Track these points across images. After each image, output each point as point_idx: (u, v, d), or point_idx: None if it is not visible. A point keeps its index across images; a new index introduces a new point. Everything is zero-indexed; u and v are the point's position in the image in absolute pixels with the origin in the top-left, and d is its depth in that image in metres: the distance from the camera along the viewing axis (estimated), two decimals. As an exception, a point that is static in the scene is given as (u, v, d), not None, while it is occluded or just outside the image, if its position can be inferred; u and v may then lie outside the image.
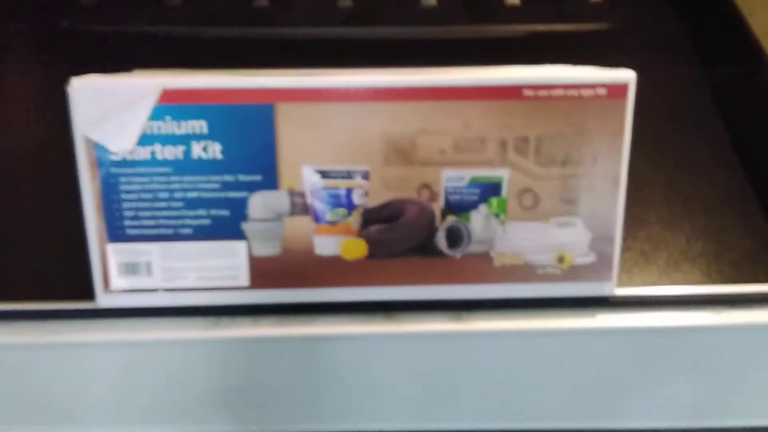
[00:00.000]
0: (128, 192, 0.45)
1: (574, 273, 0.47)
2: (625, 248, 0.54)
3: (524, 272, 0.47)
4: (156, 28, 0.72)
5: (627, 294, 0.49)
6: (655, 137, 0.63)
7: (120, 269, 0.46)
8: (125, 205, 0.45)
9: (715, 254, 0.54)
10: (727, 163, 0.62)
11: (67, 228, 0.48)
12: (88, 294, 0.47)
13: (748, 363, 0.49)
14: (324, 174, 0.46)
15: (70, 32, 0.72)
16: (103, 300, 0.47)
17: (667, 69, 0.70)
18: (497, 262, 0.47)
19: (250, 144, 0.45)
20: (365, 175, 0.46)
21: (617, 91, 0.44)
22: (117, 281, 0.47)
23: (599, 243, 0.47)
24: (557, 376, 0.49)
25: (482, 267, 0.47)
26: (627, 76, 0.44)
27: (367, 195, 0.46)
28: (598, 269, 0.47)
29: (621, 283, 0.50)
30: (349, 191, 0.46)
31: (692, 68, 0.71)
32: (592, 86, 0.44)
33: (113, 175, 0.45)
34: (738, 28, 0.69)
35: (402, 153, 0.45)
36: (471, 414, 0.50)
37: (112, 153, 0.44)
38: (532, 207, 0.47)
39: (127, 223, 0.46)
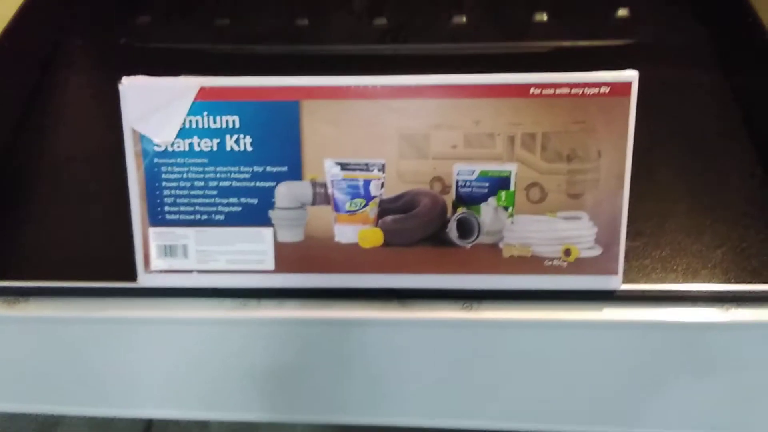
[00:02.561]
0: (168, 180, 0.50)
1: (580, 266, 0.49)
2: (645, 255, 0.56)
3: (532, 264, 0.49)
4: (205, 46, 0.79)
5: (633, 288, 0.50)
6: (678, 146, 0.64)
7: (159, 251, 0.51)
8: (165, 192, 0.50)
9: (734, 263, 0.55)
10: (750, 173, 0.62)
11: (115, 216, 0.53)
12: (132, 275, 0.52)
13: (755, 361, 0.49)
14: (344, 166, 0.49)
15: (127, 49, 0.79)
16: (144, 279, 0.52)
17: (692, 81, 0.71)
18: (506, 253, 0.50)
19: (278, 138, 0.49)
20: (382, 168, 0.49)
21: (621, 89, 0.47)
22: (156, 262, 0.51)
23: (605, 237, 0.49)
24: (563, 367, 0.51)
25: (491, 257, 0.50)
26: (630, 74, 0.47)
27: (383, 186, 0.49)
28: (603, 263, 0.49)
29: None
30: (367, 183, 0.49)
31: (717, 80, 0.72)
32: (597, 85, 0.47)
33: (156, 165, 0.50)
34: (761, 38, 0.69)
35: (416, 147, 0.49)
36: (478, 400, 0.52)
37: (155, 144, 0.49)
38: (539, 200, 0.49)
39: (166, 208, 0.50)
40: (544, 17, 0.81)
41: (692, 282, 0.53)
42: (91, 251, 0.56)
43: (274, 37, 0.80)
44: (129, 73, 0.76)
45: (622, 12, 0.81)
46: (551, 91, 0.47)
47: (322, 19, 0.83)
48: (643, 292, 0.50)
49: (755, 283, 0.52)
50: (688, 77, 0.72)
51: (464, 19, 0.82)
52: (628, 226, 0.49)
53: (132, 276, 0.52)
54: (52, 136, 0.71)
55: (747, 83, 0.70)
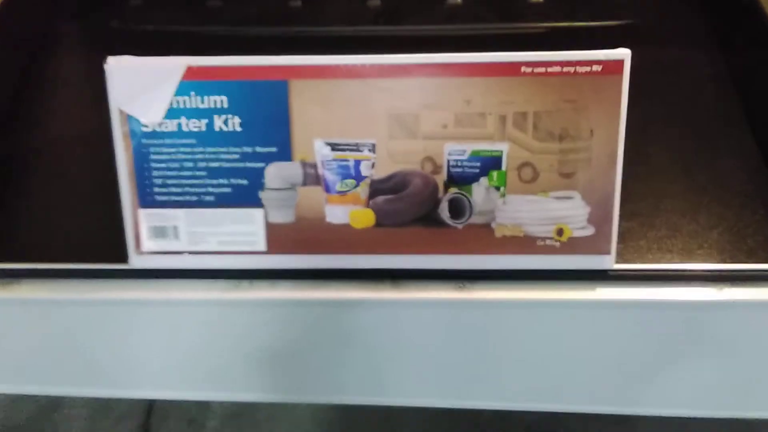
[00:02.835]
0: (157, 161, 0.50)
1: (573, 245, 0.49)
2: (641, 236, 0.55)
3: (524, 244, 0.49)
4: (198, 28, 0.78)
5: (626, 268, 0.50)
6: (676, 127, 0.63)
7: (150, 232, 0.51)
8: (155, 173, 0.50)
9: (730, 243, 0.55)
10: (747, 153, 0.62)
11: (105, 198, 0.53)
12: (122, 256, 0.52)
13: (750, 340, 0.49)
14: (334, 146, 0.49)
15: (119, 31, 0.78)
16: (136, 261, 0.52)
17: (687, 62, 0.70)
18: (498, 233, 0.49)
19: (266, 118, 0.48)
20: (372, 148, 0.49)
21: (613, 67, 0.46)
22: (147, 243, 0.51)
23: (597, 216, 0.49)
24: (556, 346, 0.51)
25: (484, 238, 0.49)
26: (622, 52, 0.46)
27: (374, 167, 0.49)
28: (596, 242, 0.49)
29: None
30: (357, 163, 0.49)
31: (713, 61, 0.71)
32: (588, 63, 0.46)
33: (144, 146, 0.49)
34: (757, 19, 0.69)
35: (406, 127, 0.48)
36: (473, 379, 0.52)
37: (143, 125, 0.49)
38: (531, 180, 0.49)
39: (156, 189, 0.50)
40: None
41: (688, 262, 0.53)
42: (82, 233, 0.56)
43: (267, 19, 0.79)
44: (121, 54, 0.76)
45: None
46: (543, 69, 0.46)
47: (316, 0, 0.82)
48: (637, 271, 0.50)
49: (751, 262, 0.52)
50: (683, 57, 0.72)
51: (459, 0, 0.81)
52: (623, 206, 0.48)
53: (124, 258, 0.52)
54: (44, 119, 0.71)
55: (743, 63, 0.70)
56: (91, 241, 0.55)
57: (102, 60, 0.69)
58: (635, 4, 0.78)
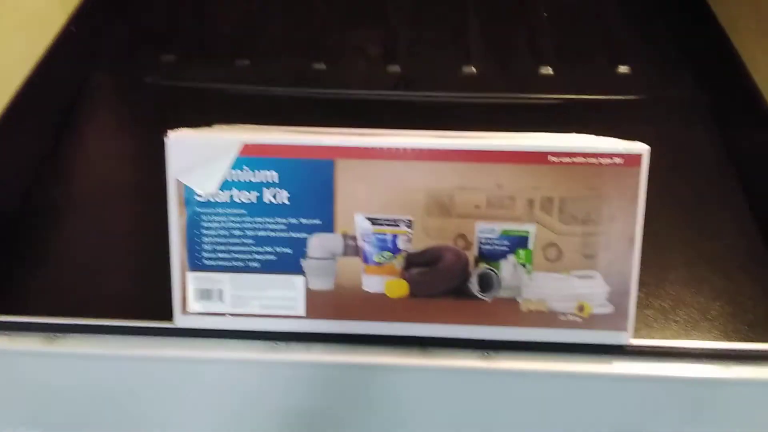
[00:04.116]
0: (208, 228, 0.53)
1: (593, 321, 0.53)
2: (647, 305, 0.59)
3: (548, 318, 0.53)
4: (226, 86, 0.83)
5: (641, 344, 0.53)
6: (676, 202, 0.68)
7: (196, 294, 0.54)
8: (205, 239, 0.53)
9: (732, 315, 0.59)
10: (746, 229, 0.66)
11: (150, 258, 0.56)
12: (166, 315, 0.55)
13: (754, 417, 0.52)
14: (374, 221, 0.53)
15: (153, 87, 0.83)
16: (181, 321, 0.55)
17: (689, 137, 0.75)
18: (523, 307, 0.53)
19: (313, 193, 0.52)
20: (409, 224, 0.53)
21: (633, 160, 0.51)
22: (193, 305, 0.54)
23: (616, 295, 0.52)
24: (574, 416, 0.54)
25: (510, 311, 0.53)
26: (641, 147, 0.51)
27: (410, 241, 0.53)
28: (615, 319, 0.53)
29: (642, 337, 0.55)
30: (395, 237, 0.53)
31: (713, 137, 0.76)
32: (610, 155, 0.51)
33: (197, 214, 0.53)
34: (756, 98, 0.74)
35: (441, 206, 0.52)
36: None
37: (197, 195, 0.53)
38: (555, 259, 0.52)
39: (205, 255, 0.54)
40: (550, 71, 0.86)
41: (692, 332, 0.57)
42: (129, 291, 0.59)
43: (291, 79, 0.84)
44: (155, 110, 0.80)
45: (623, 69, 0.86)
46: (568, 159, 0.51)
47: (339, 64, 0.87)
48: (651, 347, 0.53)
49: (753, 336, 0.56)
50: (685, 133, 0.76)
51: (473, 69, 0.86)
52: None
53: (167, 316, 0.54)
54: (82, 171, 0.74)
55: (743, 142, 0.75)
56: (136, 299, 0.58)
57: (140, 115, 0.74)
58: (641, 80, 0.84)
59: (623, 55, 0.86)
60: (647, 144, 0.50)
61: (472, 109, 0.81)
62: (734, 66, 0.79)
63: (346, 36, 0.90)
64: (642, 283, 0.59)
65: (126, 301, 0.58)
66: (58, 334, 0.55)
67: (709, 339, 0.56)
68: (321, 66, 0.85)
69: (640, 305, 0.58)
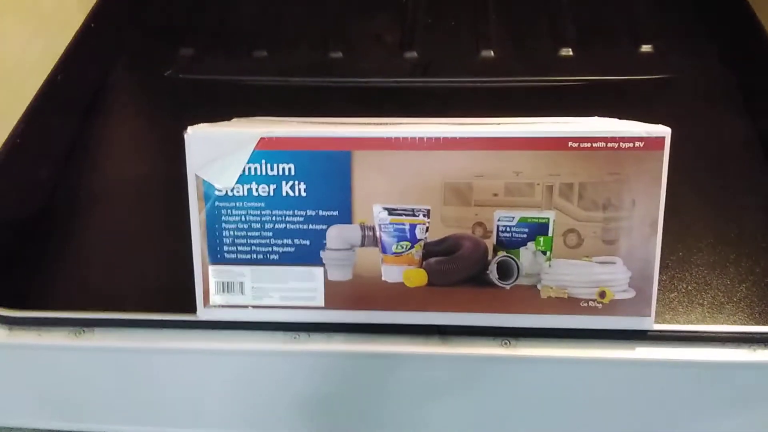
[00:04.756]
0: (228, 222, 0.54)
1: (614, 307, 0.52)
2: (671, 288, 0.59)
3: (568, 305, 0.53)
4: (244, 77, 0.83)
5: (664, 329, 0.53)
6: (702, 183, 0.67)
7: (218, 287, 0.55)
8: (225, 233, 0.54)
9: (759, 297, 0.58)
10: None
11: (172, 252, 0.57)
12: (189, 308, 0.56)
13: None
14: (391, 211, 0.53)
15: (172, 80, 0.83)
16: (203, 313, 0.55)
17: (715, 117, 0.74)
18: (543, 294, 0.53)
19: (330, 184, 0.52)
20: (427, 213, 0.53)
21: (654, 143, 0.50)
22: (215, 297, 0.55)
23: (638, 281, 0.52)
24: (596, 402, 0.54)
25: (529, 298, 0.53)
26: (663, 130, 0.50)
27: (428, 230, 0.53)
28: (637, 305, 0.52)
29: (666, 321, 0.54)
30: (413, 227, 0.53)
31: (740, 116, 0.74)
32: (631, 139, 0.50)
33: (216, 208, 0.53)
34: None
35: (459, 194, 0.52)
36: (511, 430, 0.55)
37: (216, 189, 0.53)
38: (575, 246, 0.52)
39: (225, 248, 0.54)
40: (570, 52, 0.84)
41: (718, 315, 0.56)
42: (153, 285, 0.60)
43: (309, 69, 0.84)
44: (175, 104, 0.80)
45: (646, 48, 0.84)
46: (588, 144, 0.50)
47: (356, 52, 0.87)
48: (674, 332, 0.53)
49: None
50: (712, 112, 0.75)
51: (492, 53, 0.85)
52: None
53: (190, 309, 0.55)
54: (106, 167, 0.75)
55: None
56: (160, 293, 0.59)
57: (160, 107, 0.74)
58: (665, 59, 0.82)
59: (646, 33, 0.85)
60: (672, 125, 0.49)
61: (492, 94, 0.80)
62: (761, 42, 0.77)
63: (363, 24, 0.90)
64: (666, 266, 0.59)
65: (150, 294, 0.59)
66: (84, 329, 0.56)
67: (735, 321, 0.56)
68: (338, 55, 0.85)
69: (665, 288, 0.58)
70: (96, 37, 0.85)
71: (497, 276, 0.53)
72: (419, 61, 0.85)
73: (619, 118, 0.52)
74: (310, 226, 0.53)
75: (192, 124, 0.52)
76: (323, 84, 0.83)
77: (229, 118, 0.55)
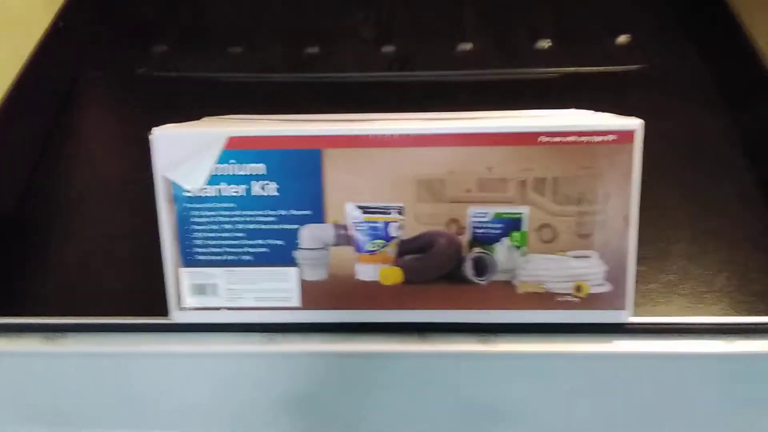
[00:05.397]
0: (199, 224, 0.53)
1: (591, 301, 0.52)
2: (651, 280, 0.58)
3: (545, 299, 0.52)
4: (219, 74, 0.82)
5: (641, 321, 0.53)
6: (680, 175, 0.67)
7: (191, 290, 0.54)
8: (196, 234, 0.53)
9: (739, 286, 0.58)
10: (752, 201, 0.65)
11: (145, 254, 0.56)
12: (163, 311, 0.55)
13: (759, 391, 0.52)
14: (364, 209, 0.52)
15: (144, 78, 0.82)
16: (177, 316, 0.55)
17: (691, 107, 0.74)
18: (520, 289, 0.52)
19: (301, 183, 0.52)
20: (400, 211, 0.52)
21: (625, 137, 0.49)
22: (188, 300, 0.54)
23: (614, 274, 0.52)
24: (575, 396, 0.54)
25: (506, 294, 0.52)
26: (634, 123, 0.49)
27: (402, 228, 0.52)
28: (613, 298, 0.52)
29: (645, 313, 0.54)
30: (387, 225, 0.52)
31: (716, 108, 0.74)
32: (603, 133, 0.49)
33: (186, 209, 0.53)
34: (759, 67, 0.72)
35: (432, 191, 0.52)
36: (494, 429, 0.55)
37: (185, 191, 0.52)
38: (550, 240, 0.52)
39: (197, 250, 0.53)
40: (547, 43, 0.84)
41: (698, 305, 0.56)
42: (125, 290, 0.59)
43: (286, 66, 0.83)
44: (147, 103, 0.79)
45: (622, 38, 0.84)
46: (559, 139, 0.50)
47: (332, 47, 0.86)
48: (651, 324, 0.53)
49: (761, 307, 0.55)
50: (688, 103, 0.75)
51: (469, 46, 0.85)
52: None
53: (165, 312, 0.54)
54: (78, 169, 0.74)
55: (747, 111, 0.73)
56: (133, 296, 0.58)
57: (133, 106, 0.73)
58: (641, 50, 0.82)
59: (622, 23, 0.84)
60: (648, 116, 0.49)
61: (470, 87, 0.80)
62: (736, 34, 0.77)
63: (339, 18, 0.89)
64: (646, 258, 0.58)
65: (123, 298, 0.58)
66: (57, 334, 0.55)
67: (716, 311, 0.55)
68: (315, 50, 0.84)
69: (644, 280, 0.58)
70: (65, 35, 0.83)
71: (473, 272, 0.52)
72: (397, 55, 0.85)
73: (597, 111, 0.52)
74: (283, 226, 0.53)
75: (166, 123, 0.51)
76: (300, 80, 0.82)
77: (198, 119, 0.55)
